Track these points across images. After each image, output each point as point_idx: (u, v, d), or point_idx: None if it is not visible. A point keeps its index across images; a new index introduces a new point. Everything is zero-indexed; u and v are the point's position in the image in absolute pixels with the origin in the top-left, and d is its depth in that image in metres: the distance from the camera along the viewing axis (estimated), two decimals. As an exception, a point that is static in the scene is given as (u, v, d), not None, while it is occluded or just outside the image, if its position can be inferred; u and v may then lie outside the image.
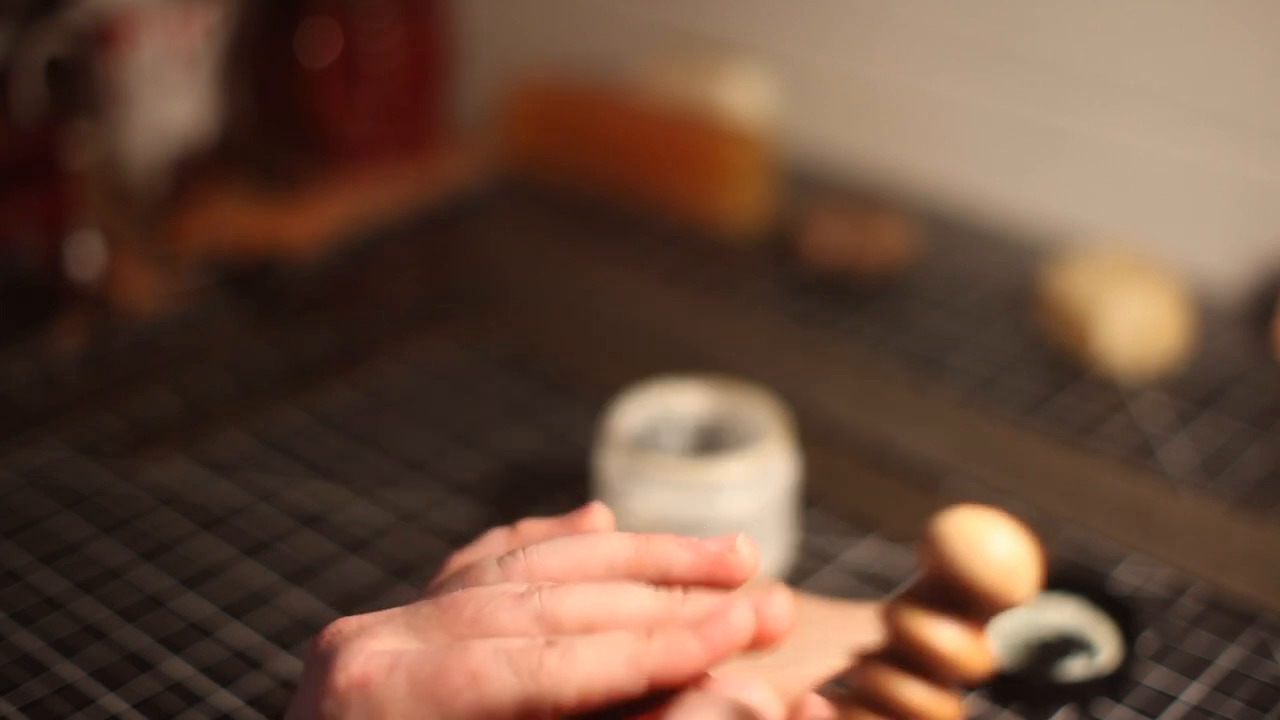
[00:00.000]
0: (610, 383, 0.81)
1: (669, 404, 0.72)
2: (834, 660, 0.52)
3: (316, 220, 1.01)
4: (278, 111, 1.07)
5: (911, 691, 0.40)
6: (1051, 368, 0.86)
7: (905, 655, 0.40)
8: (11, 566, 0.70)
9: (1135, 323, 0.85)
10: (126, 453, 0.79)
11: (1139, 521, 0.74)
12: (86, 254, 0.91)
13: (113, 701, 0.63)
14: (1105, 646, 0.66)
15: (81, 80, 0.97)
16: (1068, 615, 0.68)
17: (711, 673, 0.45)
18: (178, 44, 1.00)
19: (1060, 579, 0.69)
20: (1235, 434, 0.81)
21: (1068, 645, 0.66)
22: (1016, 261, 0.96)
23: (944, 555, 0.38)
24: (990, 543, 0.38)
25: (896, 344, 0.89)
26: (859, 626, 0.54)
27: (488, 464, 0.78)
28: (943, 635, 0.39)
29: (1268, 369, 0.87)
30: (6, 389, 0.84)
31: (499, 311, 0.92)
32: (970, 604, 0.39)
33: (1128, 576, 0.71)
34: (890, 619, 0.40)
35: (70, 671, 0.64)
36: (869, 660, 0.41)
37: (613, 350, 0.88)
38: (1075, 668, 0.65)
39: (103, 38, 0.97)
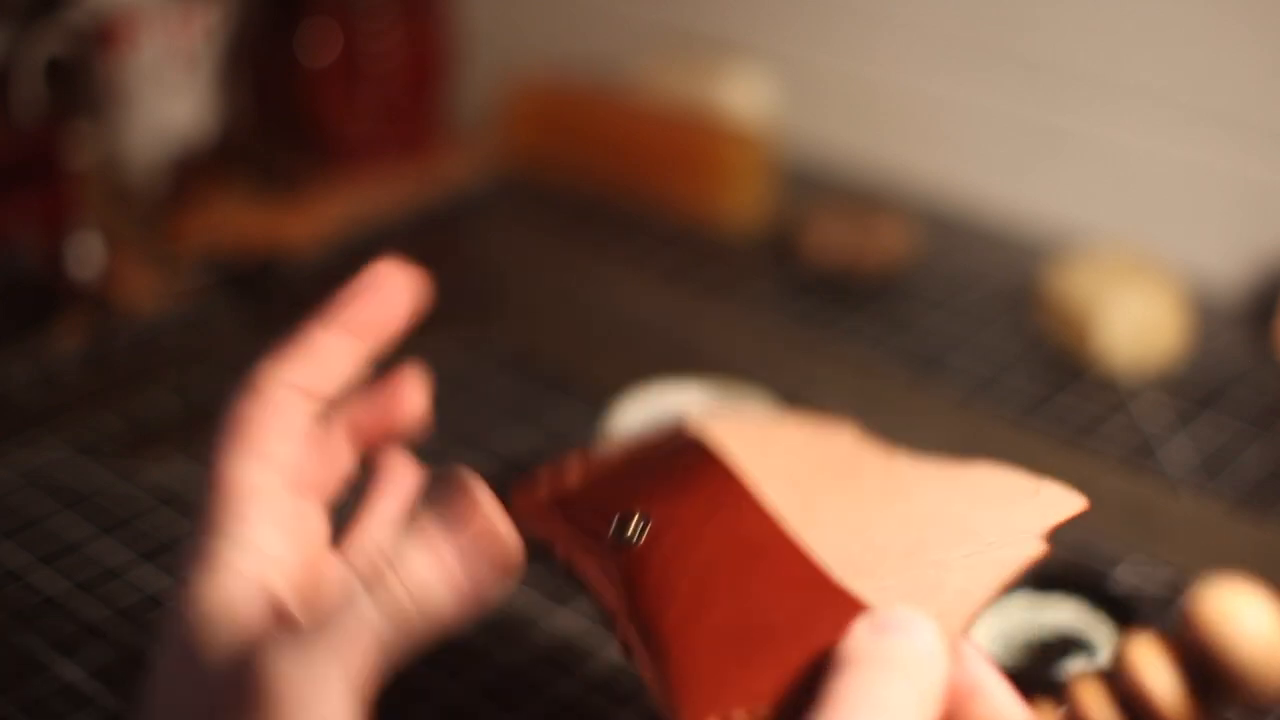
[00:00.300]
0: (610, 383, 0.81)
1: (669, 404, 0.72)
2: (1019, 550, 0.47)
3: (316, 220, 1.01)
4: (278, 111, 1.07)
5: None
6: (1051, 368, 0.86)
7: (1127, 694, 0.39)
8: (11, 566, 0.70)
9: (1135, 323, 0.85)
10: (126, 453, 0.79)
11: (1139, 521, 0.74)
12: (86, 254, 0.91)
13: (113, 701, 0.63)
14: (1105, 646, 0.66)
15: (81, 80, 0.97)
16: (1068, 615, 0.68)
17: (866, 611, 0.42)
18: (178, 44, 1.00)
19: (1060, 579, 0.69)
20: (1235, 434, 0.81)
21: (1068, 645, 0.66)
22: (1016, 261, 0.96)
23: (1207, 633, 0.37)
24: (1260, 635, 0.37)
25: (896, 344, 0.89)
26: (1042, 504, 0.50)
27: (488, 464, 0.78)
28: (1164, 686, 0.38)
29: (1268, 369, 0.87)
30: (6, 389, 0.84)
31: (499, 311, 0.92)
32: (1216, 684, 0.38)
33: (1128, 576, 0.71)
34: (1128, 653, 0.39)
35: (70, 671, 0.64)
36: (1086, 680, 0.39)
37: (613, 350, 0.88)
38: (1075, 668, 0.65)
39: (103, 38, 0.97)
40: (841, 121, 1.07)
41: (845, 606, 0.43)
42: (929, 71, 1.03)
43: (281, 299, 0.93)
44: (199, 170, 1.02)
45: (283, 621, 0.46)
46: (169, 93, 1.01)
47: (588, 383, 0.84)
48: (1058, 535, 0.74)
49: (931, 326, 0.91)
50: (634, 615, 0.46)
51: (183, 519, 0.74)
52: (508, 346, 0.88)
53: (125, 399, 0.83)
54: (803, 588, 0.45)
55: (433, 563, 0.43)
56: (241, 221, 1.00)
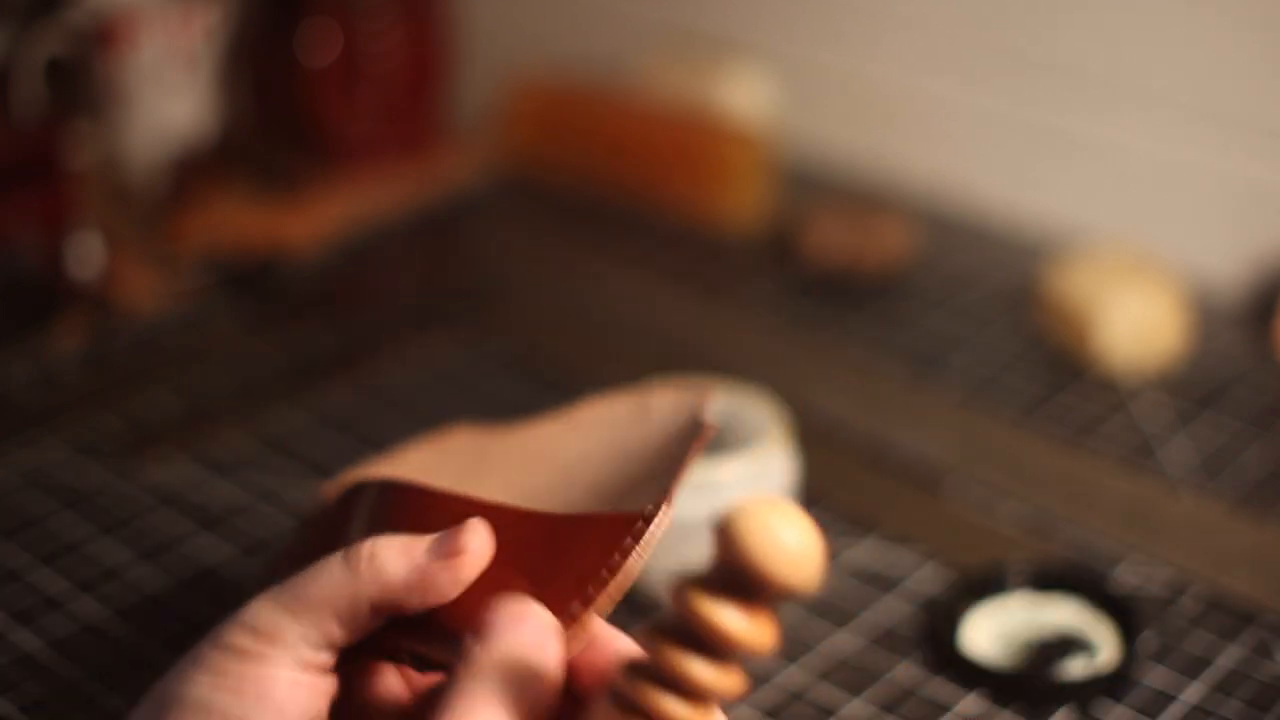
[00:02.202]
0: (610, 383, 0.81)
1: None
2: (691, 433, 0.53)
3: (316, 220, 1.01)
4: (278, 111, 1.07)
5: (698, 668, 0.42)
6: (1051, 368, 0.86)
7: (693, 633, 0.41)
8: (11, 566, 0.70)
9: (1135, 323, 0.85)
10: (126, 453, 0.79)
11: (1139, 521, 0.74)
12: (86, 254, 0.91)
13: (113, 701, 0.63)
14: (1105, 646, 0.66)
15: (81, 80, 0.97)
16: (1068, 615, 0.68)
17: (490, 609, 0.46)
18: (178, 44, 1.00)
19: (1060, 579, 0.69)
20: (1235, 434, 0.81)
21: (1068, 645, 0.66)
22: (1016, 261, 0.96)
23: (736, 544, 0.40)
24: (781, 534, 0.39)
25: (896, 344, 0.89)
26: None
27: (488, 464, 0.78)
28: (729, 617, 0.41)
29: (1268, 369, 0.87)
30: (6, 389, 0.84)
31: (499, 311, 0.92)
32: (758, 590, 0.40)
33: (1128, 576, 0.71)
34: (680, 599, 0.41)
35: (70, 671, 0.64)
36: (655, 634, 0.42)
37: (613, 350, 0.88)
38: (1075, 668, 0.65)
39: (103, 38, 0.97)
40: (841, 121, 1.07)
41: (577, 527, 0.50)
42: (930, 71, 1.03)
43: (281, 299, 0.93)
44: (199, 170, 1.02)
45: None
46: (169, 93, 1.01)
47: (588, 383, 0.84)
48: (1058, 536, 0.74)
49: (931, 326, 0.91)
50: (412, 636, 0.50)
51: (183, 519, 0.74)
52: (508, 346, 0.88)
53: (125, 399, 0.83)
54: (535, 537, 0.50)
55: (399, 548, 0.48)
56: (241, 221, 1.00)
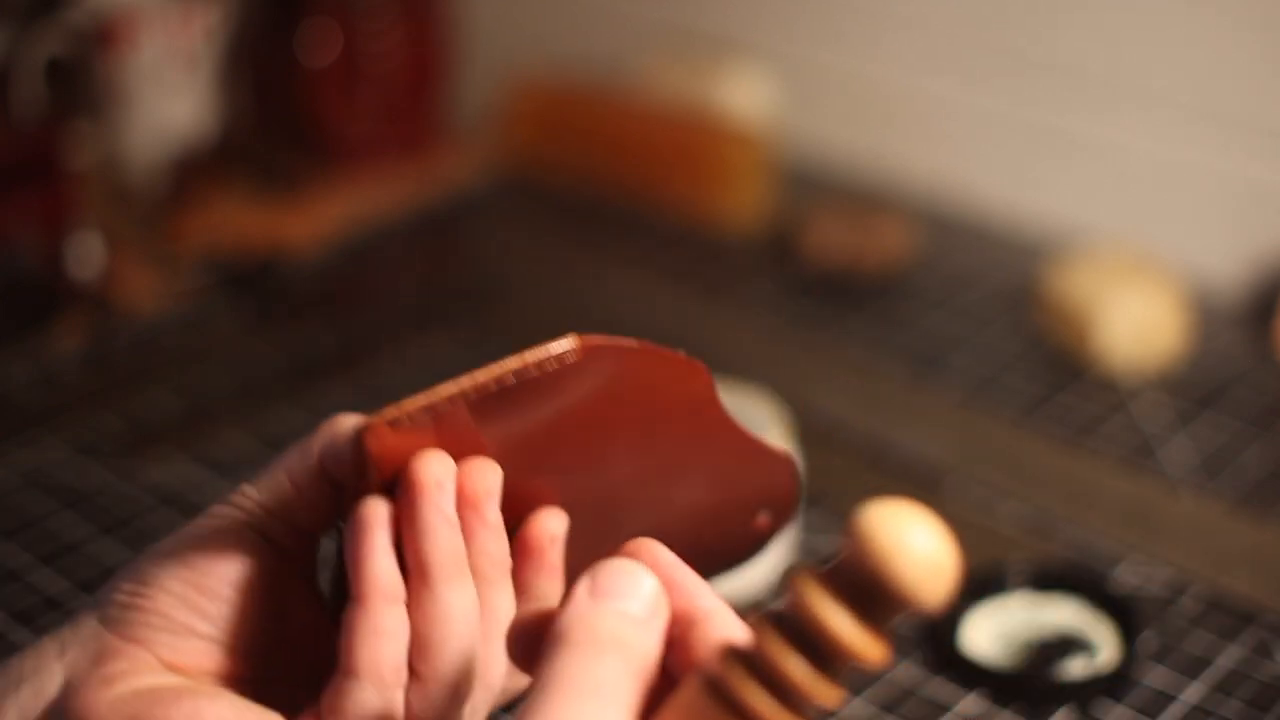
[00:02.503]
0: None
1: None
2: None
3: (316, 220, 1.01)
4: (278, 111, 1.07)
5: (796, 667, 0.39)
6: (1051, 368, 0.86)
7: (802, 630, 0.39)
8: (11, 566, 0.70)
9: (1135, 323, 0.85)
10: (126, 453, 0.78)
11: (1139, 521, 0.74)
12: (86, 254, 0.91)
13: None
14: (1105, 646, 0.66)
15: (81, 80, 0.97)
16: (1068, 615, 0.68)
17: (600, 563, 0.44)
18: (178, 44, 1.00)
19: (1060, 579, 0.69)
20: (1235, 434, 0.81)
21: (1068, 645, 0.66)
22: (1016, 261, 0.96)
23: (864, 551, 0.37)
24: (913, 542, 0.37)
25: (896, 344, 0.89)
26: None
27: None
28: (840, 620, 0.38)
29: (1268, 369, 0.87)
30: (6, 389, 0.84)
31: (499, 311, 0.92)
32: (878, 597, 0.38)
33: (1128, 576, 0.71)
34: (794, 590, 0.39)
35: (70, 671, 0.64)
36: (763, 622, 0.40)
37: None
38: (1075, 668, 0.65)
39: (103, 38, 0.97)
40: (841, 121, 1.07)
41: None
42: (930, 71, 1.03)
43: (281, 299, 0.93)
44: (199, 170, 1.02)
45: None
46: (169, 93, 1.01)
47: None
48: (1058, 536, 0.74)
49: (931, 326, 0.91)
50: None
51: (183, 519, 0.74)
52: (508, 346, 0.88)
53: (125, 399, 0.83)
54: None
55: None
56: (241, 221, 1.00)
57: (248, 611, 0.49)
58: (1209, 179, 0.94)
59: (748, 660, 0.40)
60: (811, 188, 1.04)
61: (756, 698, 0.39)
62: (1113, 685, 0.64)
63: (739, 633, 0.43)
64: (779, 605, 0.41)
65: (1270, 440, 0.80)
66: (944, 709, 0.63)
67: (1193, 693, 0.64)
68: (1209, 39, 0.92)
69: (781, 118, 1.08)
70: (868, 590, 0.37)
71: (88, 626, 0.49)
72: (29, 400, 0.83)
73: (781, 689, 0.39)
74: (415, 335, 0.90)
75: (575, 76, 1.11)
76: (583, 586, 0.42)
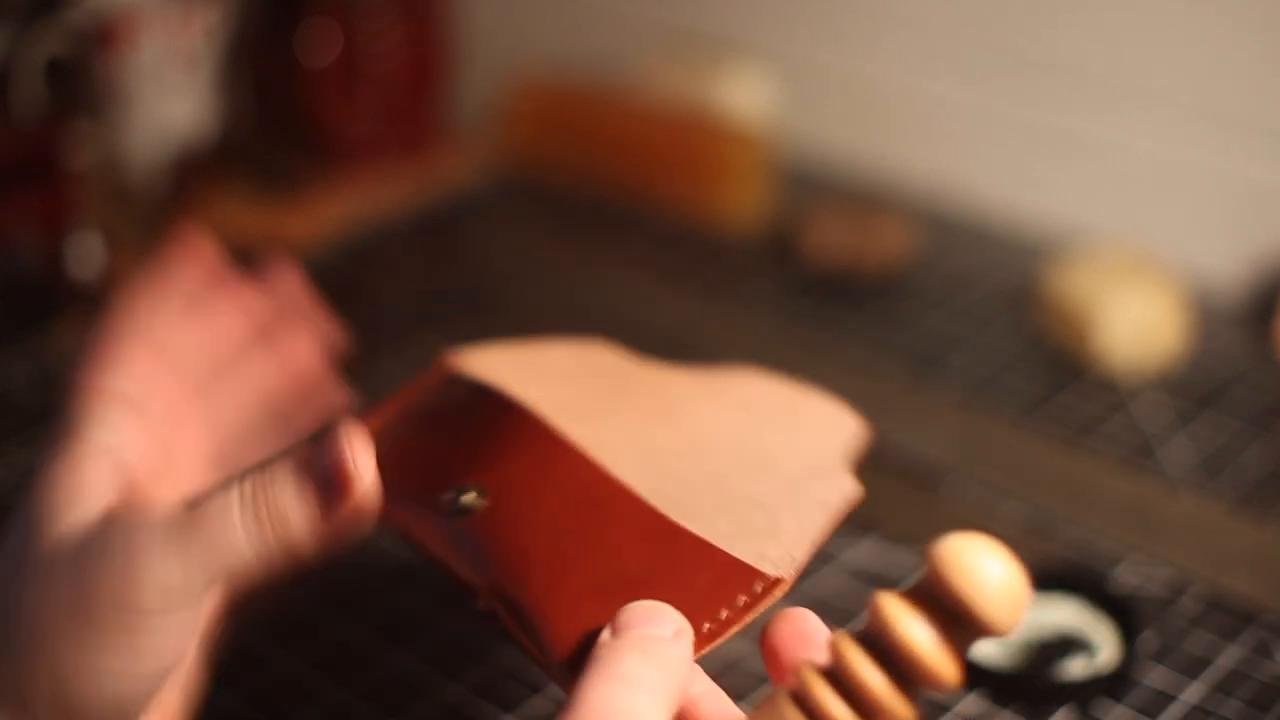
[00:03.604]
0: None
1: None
2: (839, 492, 0.52)
3: (316, 220, 1.01)
4: (278, 111, 1.07)
5: (874, 678, 0.41)
6: (1051, 368, 0.86)
7: (882, 646, 0.41)
8: (11, 566, 0.70)
9: (1135, 323, 0.85)
10: (126, 453, 0.78)
11: (1139, 521, 0.74)
12: (86, 254, 0.91)
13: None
14: (1105, 646, 0.66)
15: (81, 80, 0.97)
16: (1068, 615, 0.68)
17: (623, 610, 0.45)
18: (178, 44, 1.00)
19: (1060, 579, 0.69)
20: (1235, 434, 0.81)
21: (1068, 645, 0.66)
22: (1016, 261, 0.96)
23: (946, 575, 0.40)
24: (992, 570, 0.40)
25: (896, 344, 0.89)
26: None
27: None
28: (922, 639, 0.40)
29: (1268, 369, 0.87)
30: (6, 389, 0.84)
31: (499, 311, 0.92)
32: (960, 623, 0.40)
33: (1128, 576, 0.71)
34: (879, 607, 0.41)
35: (70, 671, 0.64)
36: (844, 638, 0.42)
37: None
38: (1075, 668, 0.65)
39: (103, 38, 0.97)
40: (841, 121, 1.07)
41: (695, 549, 0.47)
42: (930, 71, 1.03)
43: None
44: (199, 170, 1.02)
45: (136, 506, 0.49)
46: (169, 93, 1.01)
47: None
48: (1058, 536, 0.74)
49: (931, 326, 0.91)
50: (494, 587, 0.47)
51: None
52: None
53: (125, 399, 0.83)
54: (651, 538, 0.48)
55: (297, 495, 0.46)
56: (241, 221, 1.00)
57: None
58: (1209, 179, 0.94)
59: (828, 674, 0.41)
60: (811, 188, 1.04)
61: (834, 707, 0.41)
62: (1113, 685, 0.64)
63: (734, 712, 0.46)
64: (859, 627, 0.42)
65: (1270, 440, 0.80)
66: (944, 709, 0.63)
67: (1193, 693, 0.64)
68: (1209, 39, 0.92)
69: (781, 118, 1.08)
70: (948, 614, 0.40)
71: None
72: (29, 400, 0.83)
73: (860, 701, 0.41)
74: (415, 335, 0.90)
75: (575, 76, 1.11)
76: (605, 632, 0.44)
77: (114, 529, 0.47)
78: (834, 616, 0.68)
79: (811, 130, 1.08)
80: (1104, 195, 0.98)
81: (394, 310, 0.93)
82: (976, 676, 0.64)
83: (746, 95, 1.07)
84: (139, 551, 0.46)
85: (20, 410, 0.82)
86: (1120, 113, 0.96)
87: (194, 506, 0.47)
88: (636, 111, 1.06)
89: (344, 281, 0.96)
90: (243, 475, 0.47)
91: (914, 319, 0.91)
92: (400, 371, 0.85)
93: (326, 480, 0.46)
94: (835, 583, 0.70)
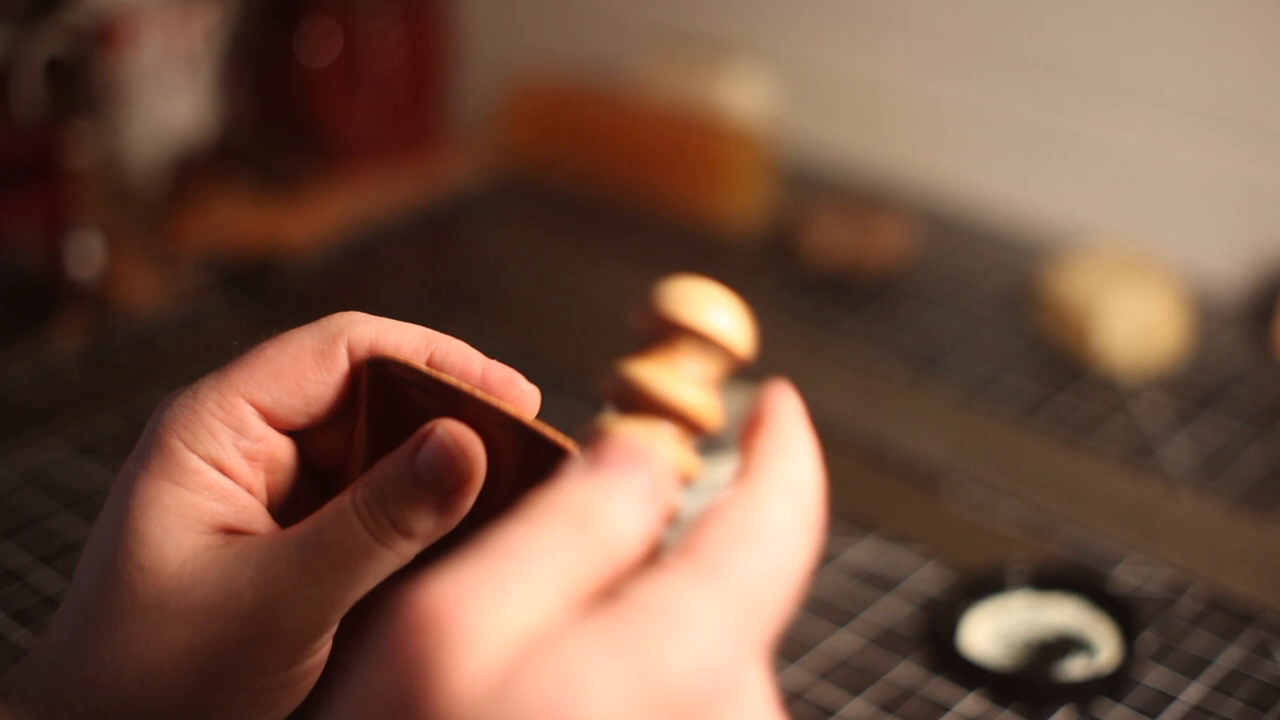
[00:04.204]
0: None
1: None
2: None
3: (316, 220, 1.01)
4: (278, 111, 1.07)
5: (676, 382, 0.40)
6: (1051, 368, 0.86)
7: (646, 411, 0.40)
8: (11, 566, 0.70)
9: (1135, 323, 0.85)
10: (126, 453, 0.78)
11: (1139, 521, 0.74)
12: (86, 254, 0.91)
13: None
14: (1105, 646, 0.66)
15: (81, 80, 0.97)
16: (1068, 615, 0.68)
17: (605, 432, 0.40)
18: (178, 44, 1.00)
19: (1060, 579, 0.69)
20: (1235, 434, 0.81)
21: (1068, 645, 0.66)
22: (1016, 261, 0.96)
23: (671, 315, 0.41)
24: (709, 294, 0.42)
25: (896, 344, 0.89)
26: None
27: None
28: (688, 391, 0.40)
29: (1268, 369, 0.87)
30: (6, 389, 0.84)
31: (499, 311, 0.92)
32: (712, 359, 0.41)
33: (1128, 576, 0.71)
34: (632, 379, 0.41)
35: (70, 671, 0.64)
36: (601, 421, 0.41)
37: (613, 350, 0.88)
38: (1075, 668, 0.65)
39: (103, 38, 0.97)
40: (841, 121, 1.07)
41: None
42: (929, 71, 1.03)
43: (281, 299, 0.93)
44: (199, 170, 1.02)
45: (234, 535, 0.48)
46: (169, 93, 1.01)
47: (587, 383, 0.84)
48: (1058, 536, 0.74)
49: (931, 326, 0.91)
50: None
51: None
52: (507, 346, 0.88)
53: (125, 399, 0.83)
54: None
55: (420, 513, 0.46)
56: (241, 221, 1.00)
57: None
58: (1209, 179, 0.94)
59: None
60: (811, 188, 1.04)
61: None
62: (1113, 685, 0.64)
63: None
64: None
65: (1270, 440, 0.80)
66: (944, 709, 0.63)
67: (1193, 693, 0.64)
68: (1210, 39, 0.92)
69: (781, 118, 1.08)
70: (695, 359, 0.40)
71: None
72: (29, 400, 0.83)
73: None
74: (415, 335, 0.90)
75: (575, 77, 1.11)
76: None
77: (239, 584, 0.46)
78: (834, 617, 0.68)
79: (811, 130, 1.08)
80: (1104, 195, 0.98)
81: (394, 310, 0.92)
82: (976, 676, 0.64)
83: (746, 95, 1.07)
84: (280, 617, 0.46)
85: (20, 410, 0.82)
86: (1120, 113, 0.96)
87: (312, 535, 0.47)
88: (636, 112, 1.06)
89: (344, 281, 0.96)
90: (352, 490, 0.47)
91: (914, 319, 0.91)
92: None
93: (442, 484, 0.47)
94: (835, 582, 0.70)
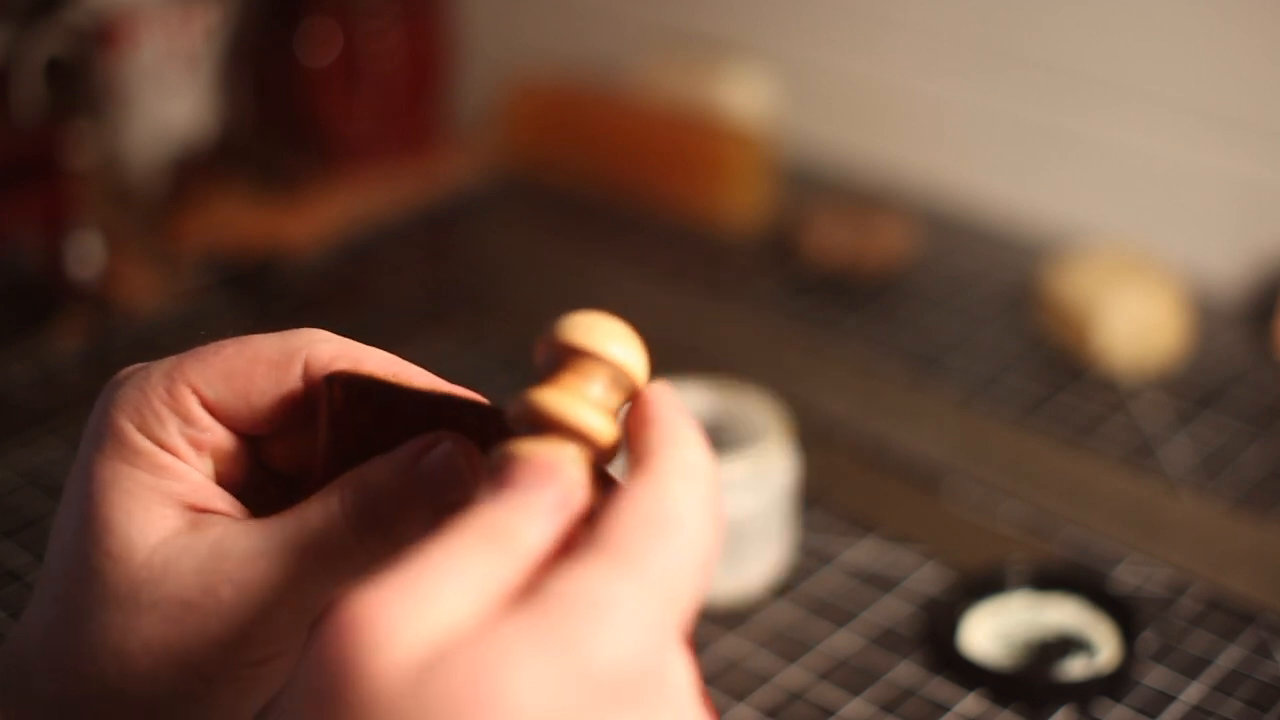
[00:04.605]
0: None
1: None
2: None
3: (316, 220, 1.01)
4: (278, 111, 1.07)
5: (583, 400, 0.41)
6: (1051, 368, 0.86)
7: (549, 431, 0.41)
8: (11, 566, 0.70)
9: (1135, 323, 0.85)
10: (126, 453, 0.78)
11: (1139, 521, 0.74)
12: (86, 254, 0.91)
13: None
14: (1105, 646, 0.66)
15: (81, 80, 0.97)
16: (1068, 615, 0.68)
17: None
18: (178, 44, 1.00)
19: (1060, 579, 0.69)
20: (1235, 434, 0.81)
21: (1068, 645, 0.66)
22: (1016, 261, 0.96)
23: (592, 346, 0.42)
24: (621, 331, 0.43)
25: (896, 344, 0.89)
26: None
27: (488, 464, 0.78)
28: (592, 417, 0.41)
29: (1268, 369, 0.87)
30: (6, 389, 0.84)
31: (499, 311, 0.92)
32: (617, 387, 0.42)
33: (1128, 576, 0.71)
34: (536, 405, 0.41)
35: (70, 671, 0.64)
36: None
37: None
38: (1075, 668, 0.65)
39: (103, 38, 0.97)
40: (841, 121, 1.07)
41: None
42: (929, 71, 1.03)
43: (281, 299, 0.93)
44: (199, 170, 1.02)
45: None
46: (169, 93, 1.01)
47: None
48: (1058, 536, 0.74)
49: (931, 326, 0.91)
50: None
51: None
52: (507, 346, 0.88)
53: (125, 399, 0.83)
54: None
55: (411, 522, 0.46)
56: (241, 221, 1.00)
57: None
58: (1209, 179, 0.94)
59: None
60: (811, 188, 1.04)
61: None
62: (1113, 685, 0.64)
63: None
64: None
65: (1270, 440, 0.80)
66: (944, 709, 0.63)
67: (1193, 693, 0.64)
68: (1210, 39, 0.92)
69: (781, 118, 1.08)
70: (599, 387, 0.41)
71: None
72: (29, 400, 0.83)
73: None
74: (415, 335, 0.90)
75: (575, 77, 1.11)
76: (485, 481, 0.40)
77: (215, 578, 0.46)
78: (834, 617, 0.68)
79: (811, 130, 1.08)
80: (1104, 195, 0.98)
81: (394, 310, 0.93)
82: (976, 676, 0.64)
83: (746, 95, 1.07)
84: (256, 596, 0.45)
85: (20, 410, 0.82)
86: (1120, 113, 0.96)
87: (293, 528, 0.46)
88: (636, 112, 1.06)
89: (344, 281, 0.96)
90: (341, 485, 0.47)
91: (914, 319, 0.91)
92: (400, 371, 0.85)
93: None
94: (835, 582, 0.70)
